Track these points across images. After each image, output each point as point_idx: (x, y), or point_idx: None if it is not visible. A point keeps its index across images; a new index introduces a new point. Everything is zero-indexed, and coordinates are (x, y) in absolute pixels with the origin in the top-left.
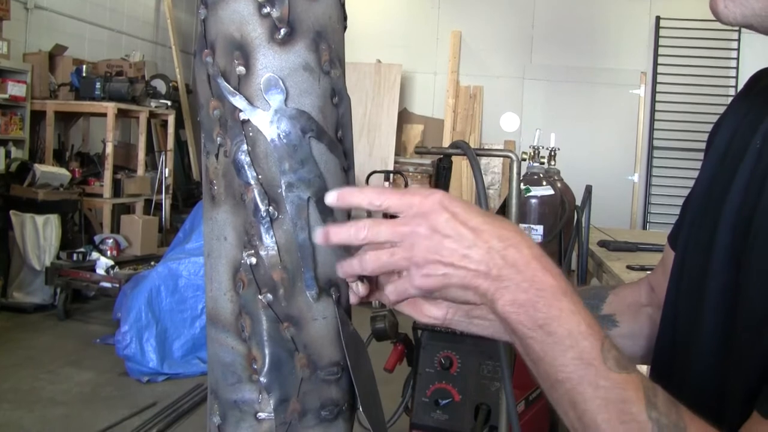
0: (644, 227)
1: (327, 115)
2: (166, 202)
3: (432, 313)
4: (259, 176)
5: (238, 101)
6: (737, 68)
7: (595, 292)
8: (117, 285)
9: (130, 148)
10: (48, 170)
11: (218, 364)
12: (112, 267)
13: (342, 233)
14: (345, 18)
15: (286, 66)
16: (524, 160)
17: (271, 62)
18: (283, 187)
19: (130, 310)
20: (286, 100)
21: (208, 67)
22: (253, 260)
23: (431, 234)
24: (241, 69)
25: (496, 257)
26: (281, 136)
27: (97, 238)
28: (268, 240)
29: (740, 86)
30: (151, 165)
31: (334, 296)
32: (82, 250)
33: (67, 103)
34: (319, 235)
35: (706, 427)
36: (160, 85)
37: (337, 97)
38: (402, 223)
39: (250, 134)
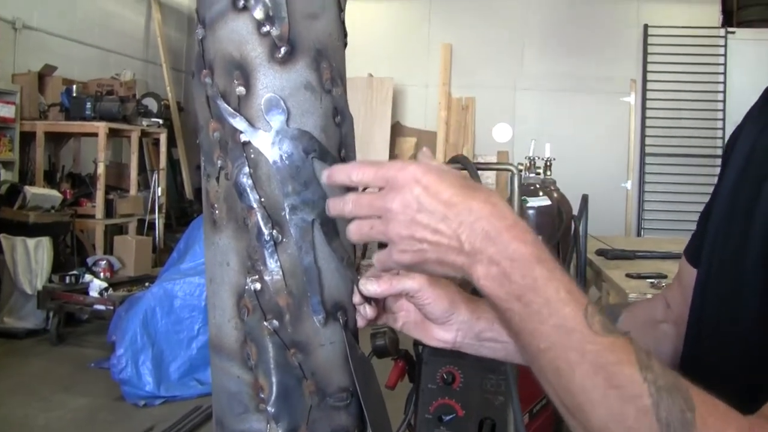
0: (639, 234)
1: (330, 134)
2: (159, 222)
3: (441, 336)
4: (262, 199)
5: (238, 123)
6: (725, 73)
7: (608, 311)
8: (111, 307)
9: (122, 167)
10: (39, 192)
11: (224, 394)
12: (106, 289)
13: (335, 205)
14: (345, 35)
15: (287, 85)
16: (520, 171)
17: (271, 82)
18: (287, 210)
19: (125, 333)
20: (287, 120)
21: (207, 88)
22: (258, 285)
23: (403, 209)
24: (241, 89)
25: (467, 231)
26: (283, 157)
27: (89, 260)
28: (272, 264)
29: (728, 91)
30: (144, 184)
31: (341, 320)
32: (74, 272)
33: (58, 124)
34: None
35: (708, 396)
36: (152, 104)
37: (340, 116)
38: (378, 197)
39: (252, 156)
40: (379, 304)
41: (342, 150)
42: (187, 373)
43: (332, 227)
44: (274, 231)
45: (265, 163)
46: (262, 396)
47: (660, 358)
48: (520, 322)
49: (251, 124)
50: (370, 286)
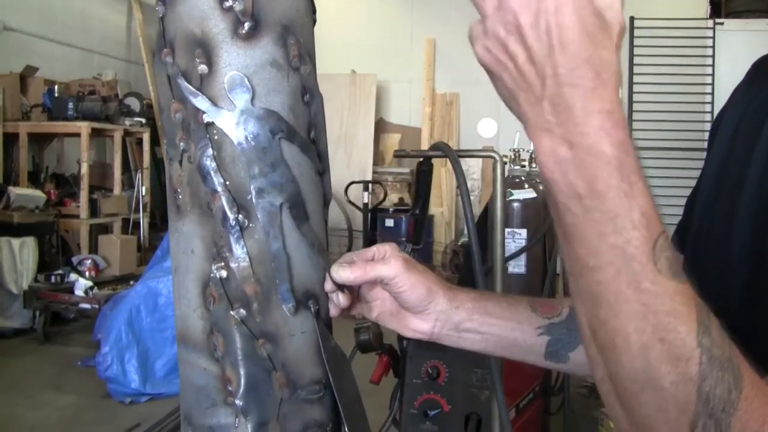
0: None
1: (298, 114)
2: (143, 221)
3: (418, 326)
4: (227, 182)
5: (200, 102)
6: (713, 65)
7: None
8: (96, 306)
9: (106, 167)
10: (23, 193)
11: (190, 388)
12: (91, 288)
13: None
14: (314, 11)
15: (251, 63)
16: (505, 163)
17: (235, 59)
18: (253, 194)
19: (110, 331)
20: (252, 99)
21: (168, 68)
22: (224, 273)
23: (518, 11)
24: (203, 68)
25: (553, 85)
26: (249, 138)
27: (74, 260)
28: (238, 251)
29: (717, 83)
30: (128, 184)
31: (312, 309)
32: (60, 272)
33: (40, 125)
34: None
35: (758, 378)
36: (134, 103)
37: (309, 95)
38: None
39: (215, 137)
40: (353, 292)
41: (311, 131)
42: (172, 370)
43: (302, 211)
44: (240, 216)
45: (230, 145)
46: (230, 389)
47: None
48: (573, 225)
49: (214, 103)
50: (343, 272)
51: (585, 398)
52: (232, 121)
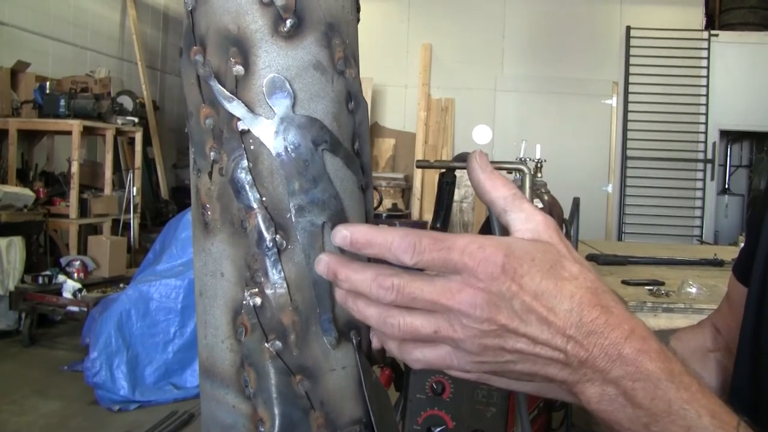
0: (619, 238)
1: (342, 123)
2: (134, 222)
3: None
4: (263, 198)
5: (235, 108)
6: (708, 77)
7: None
8: (85, 309)
9: (97, 166)
10: (11, 191)
11: (216, 427)
12: (80, 290)
13: (357, 280)
14: (358, 9)
15: (293, 64)
16: (510, 172)
17: (275, 60)
18: (293, 212)
19: (99, 335)
20: (293, 105)
21: (198, 68)
22: (258, 300)
23: (490, 317)
24: (238, 69)
25: (574, 347)
26: (289, 149)
27: (63, 261)
28: (275, 276)
29: (712, 94)
30: (119, 184)
31: (354, 341)
32: (47, 273)
33: (31, 121)
34: (321, 265)
35: None
36: (127, 102)
37: (353, 102)
38: (448, 292)
39: (251, 147)
40: None
41: (356, 142)
42: (162, 377)
43: None
44: (278, 236)
45: (267, 156)
46: (262, 430)
47: None
48: None
49: (251, 109)
50: None
51: (586, 413)
52: (271, 130)
